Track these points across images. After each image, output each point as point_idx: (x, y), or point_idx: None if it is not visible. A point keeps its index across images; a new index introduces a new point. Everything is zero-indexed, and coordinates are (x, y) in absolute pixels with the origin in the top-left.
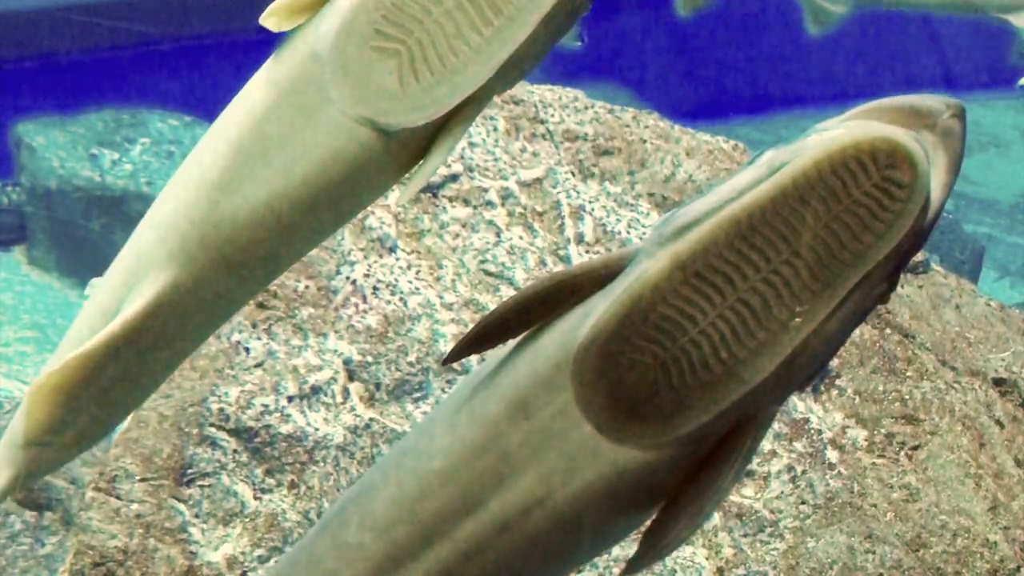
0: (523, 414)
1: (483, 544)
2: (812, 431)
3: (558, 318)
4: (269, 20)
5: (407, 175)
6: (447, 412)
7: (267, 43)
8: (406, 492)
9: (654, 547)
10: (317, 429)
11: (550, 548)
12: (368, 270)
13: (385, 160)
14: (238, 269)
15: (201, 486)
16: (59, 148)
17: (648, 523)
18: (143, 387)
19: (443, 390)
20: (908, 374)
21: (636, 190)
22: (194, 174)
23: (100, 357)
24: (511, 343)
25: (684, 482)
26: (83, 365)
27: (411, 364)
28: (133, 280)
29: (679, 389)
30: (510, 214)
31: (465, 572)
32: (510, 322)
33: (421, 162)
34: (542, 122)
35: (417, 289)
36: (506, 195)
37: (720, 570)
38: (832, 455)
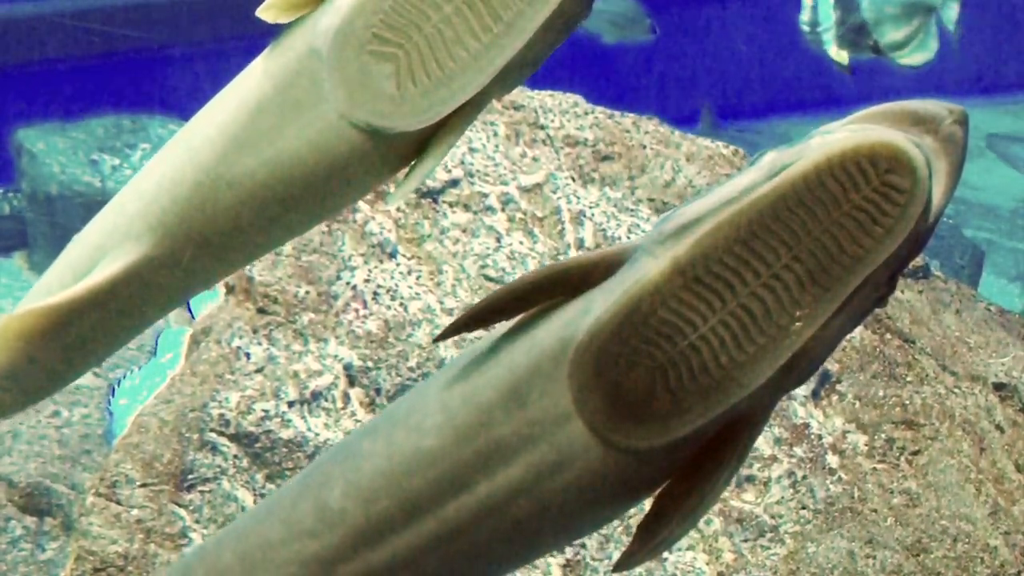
0: (517, 403)
1: (467, 525)
2: (812, 436)
3: (556, 308)
4: (267, 12)
5: (398, 175)
6: (441, 388)
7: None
8: (394, 466)
9: (646, 545)
10: (318, 434)
11: (533, 533)
12: (368, 275)
13: (375, 161)
14: (215, 250)
15: (202, 491)
16: (60, 154)
17: (641, 520)
18: (105, 347)
19: None
20: (908, 379)
21: (636, 195)
22: (182, 153)
23: (64, 314)
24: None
25: (677, 480)
26: (45, 318)
27: (411, 369)
28: (109, 245)
29: (677, 393)
30: (510, 219)
31: (447, 550)
32: (504, 309)
33: (414, 163)
34: (542, 127)
35: (417, 294)
36: (506, 200)
37: (721, 575)
38: (832, 460)
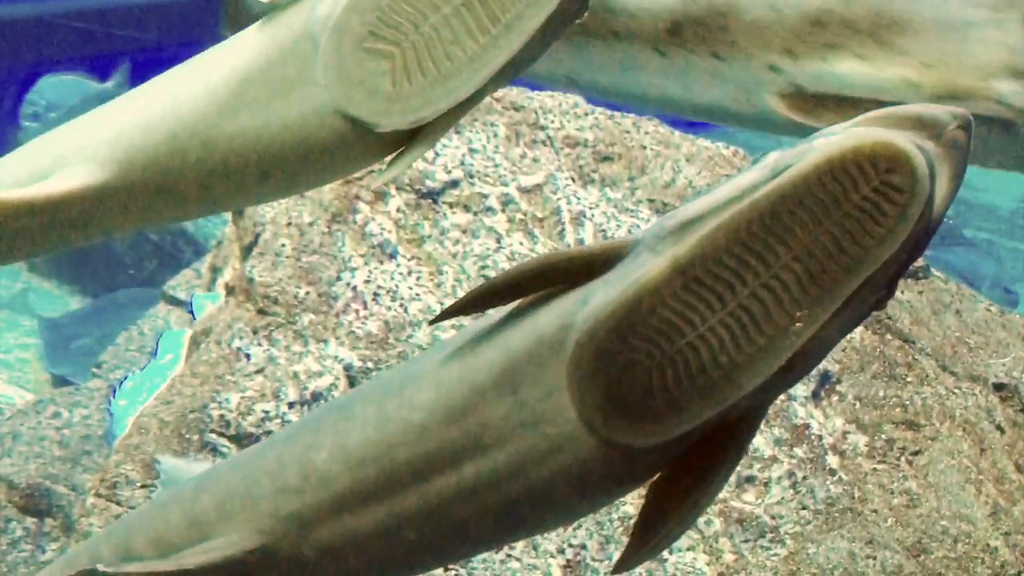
0: (511, 387)
1: (450, 504)
2: (813, 437)
3: (555, 297)
4: None
5: (378, 160)
6: (436, 365)
7: None
8: (383, 436)
9: (644, 546)
10: None
11: (515, 518)
12: (368, 276)
13: (358, 150)
14: (174, 198)
15: None
16: None
17: (636, 520)
18: (40, 251)
19: None
20: (908, 379)
21: (636, 196)
22: (165, 98)
23: (13, 211)
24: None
25: (673, 479)
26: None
27: None
28: (71, 159)
29: (674, 392)
30: (510, 220)
31: (426, 525)
32: (503, 294)
33: (401, 151)
34: (542, 128)
35: (418, 295)
36: (506, 201)
37: (721, 575)
38: (833, 461)
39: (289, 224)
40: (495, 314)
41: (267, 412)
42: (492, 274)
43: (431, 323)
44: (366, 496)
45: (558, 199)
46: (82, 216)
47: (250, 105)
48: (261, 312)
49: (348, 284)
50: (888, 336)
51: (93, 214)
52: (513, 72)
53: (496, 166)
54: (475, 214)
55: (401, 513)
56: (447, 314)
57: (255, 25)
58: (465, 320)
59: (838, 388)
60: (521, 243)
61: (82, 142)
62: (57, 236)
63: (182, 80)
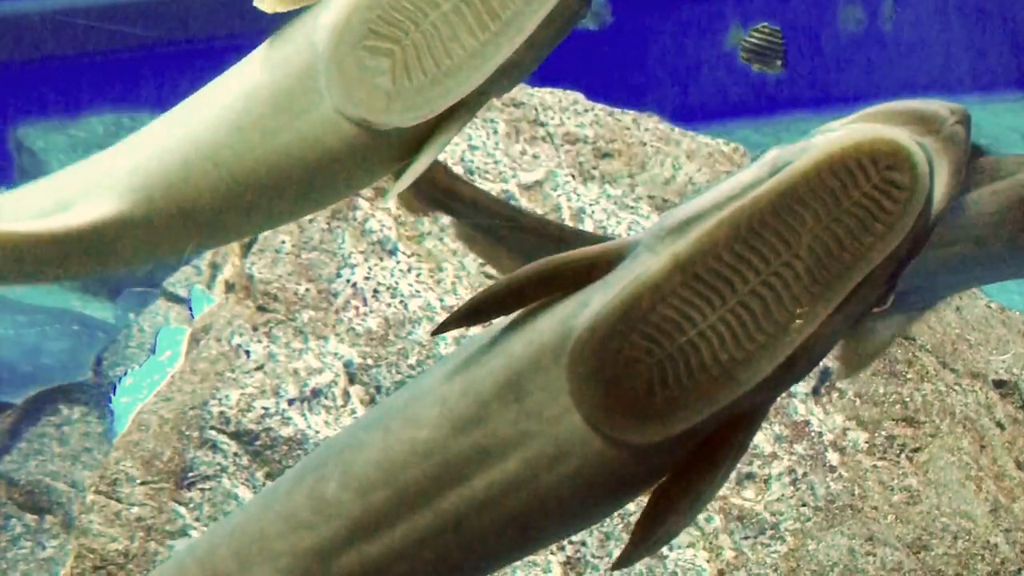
0: (515, 395)
1: (463, 518)
2: (813, 433)
3: (555, 302)
4: (263, 2)
5: (391, 170)
6: (439, 381)
7: None
8: (391, 457)
9: (644, 542)
10: (318, 432)
11: (528, 527)
12: (368, 273)
13: (366, 157)
14: (192, 225)
15: (202, 489)
16: (60, 152)
17: (640, 517)
18: (54, 279)
19: None
20: (909, 376)
21: (636, 193)
22: (178, 125)
23: (34, 243)
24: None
25: (674, 476)
26: (20, 240)
27: (411, 367)
28: (91, 191)
29: (675, 389)
30: None
31: (443, 542)
32: (503, 302)
33: (410, 159)
34: (542, 125)
35: (418, 292)
36: (507, 197)
37: (721, 572)
38: (833, 457)
39: None
40: (495, 324)
41: (267, 409)
42: (492, 271)
43: (433, 334)
44: (379, 521)
45: (558, 196)
46: (103, 246)
47: (257, 121)
48: (261, 309)
49: (348, 281)
50: None
51: (114, 244)
52: (517, 74)
53: (496, 163)
54: None
55: (416, 534)
56: (449, 325)
57: (263, 44)
58: (468, 332)
59: (838, 385)
60: None
61: (103, 173)
62: (78, 264)
63: (196, 106)
